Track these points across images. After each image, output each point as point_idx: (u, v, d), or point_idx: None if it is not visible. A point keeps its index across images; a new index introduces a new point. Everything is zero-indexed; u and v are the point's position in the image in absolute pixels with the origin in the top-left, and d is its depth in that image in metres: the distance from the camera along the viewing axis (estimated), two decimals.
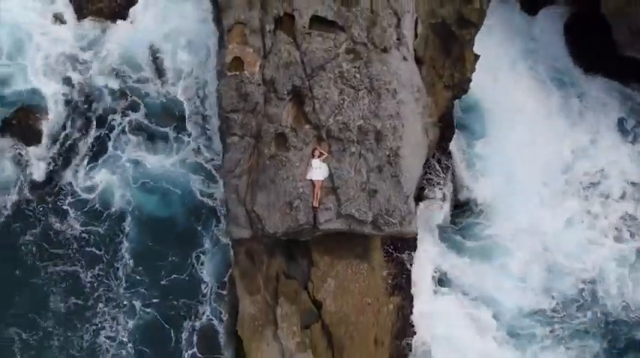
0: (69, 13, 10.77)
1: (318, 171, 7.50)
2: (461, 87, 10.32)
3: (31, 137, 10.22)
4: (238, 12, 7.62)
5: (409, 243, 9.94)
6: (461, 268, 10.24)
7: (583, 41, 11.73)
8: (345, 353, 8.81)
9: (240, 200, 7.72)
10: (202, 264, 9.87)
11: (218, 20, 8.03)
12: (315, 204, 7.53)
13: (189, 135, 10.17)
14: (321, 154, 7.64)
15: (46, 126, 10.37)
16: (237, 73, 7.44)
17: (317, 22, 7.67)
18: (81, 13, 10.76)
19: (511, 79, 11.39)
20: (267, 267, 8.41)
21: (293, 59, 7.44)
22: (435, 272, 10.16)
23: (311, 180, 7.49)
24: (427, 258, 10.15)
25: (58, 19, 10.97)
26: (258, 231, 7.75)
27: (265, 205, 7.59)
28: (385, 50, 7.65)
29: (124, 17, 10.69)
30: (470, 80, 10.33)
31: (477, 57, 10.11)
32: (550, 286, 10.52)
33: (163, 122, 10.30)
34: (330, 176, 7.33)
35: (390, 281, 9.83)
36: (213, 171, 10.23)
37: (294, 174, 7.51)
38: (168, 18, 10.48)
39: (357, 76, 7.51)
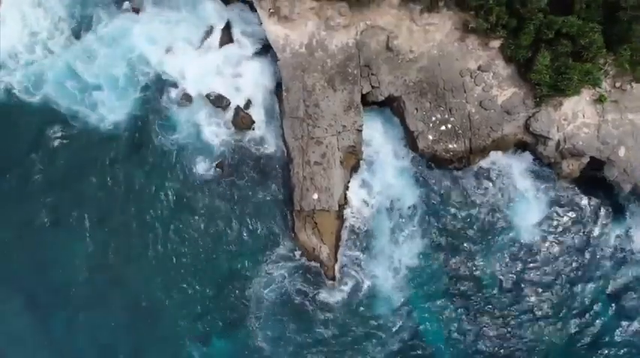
0: None
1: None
2: (359, 161, 32.40)
3: None
4: (301, 162, 30.00)
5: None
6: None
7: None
8: (322, 232, 32.66)
9: (298, 203, 28.63)
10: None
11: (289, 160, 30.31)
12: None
13: None
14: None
15: None
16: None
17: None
18: None
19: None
20: (305, 213, 28.53)
21: None
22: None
23: (312, 198, 29.79)
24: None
25: None
26: (303, 207, 28.72)
27: (304, 203, 28.61)
28: (330, 167, 30.17)
29: None
30: (362, 158, 32.26)
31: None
32: None
33: None
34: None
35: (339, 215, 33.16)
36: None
37: (311, 196, 29.62)
38: None
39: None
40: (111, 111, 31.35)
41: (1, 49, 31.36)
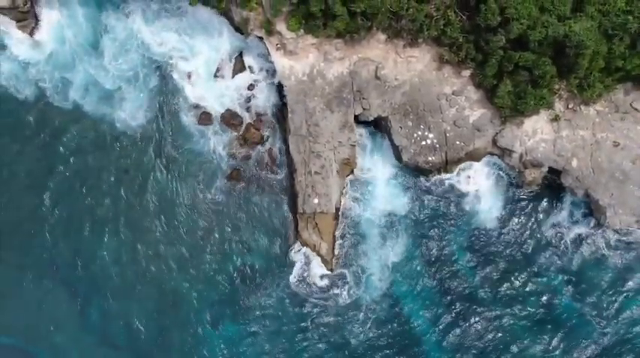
0: None
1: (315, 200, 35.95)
2: (353, 170, 37.71)
3: None
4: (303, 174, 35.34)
5: None
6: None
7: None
8: (321, 231, 37.41)
9: (301, 207, 33.84)
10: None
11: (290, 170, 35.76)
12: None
13: None
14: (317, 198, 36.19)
15: None
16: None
17: None
18: None
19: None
20: (307, 215, 34.50)
21: None
22: None
23: (313, 202, 35.05)
24: None
25: None
26: (305, 210, 34.10)
27: (307, 206, 33.80)
28: (328, 176, 35.51)
29: None
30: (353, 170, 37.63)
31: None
32: None
33: None
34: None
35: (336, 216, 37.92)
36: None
37: (312, 200, 35.08)
38: None
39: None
40: (133, 119, 36.42)
41: (37, 49, 36.11)
